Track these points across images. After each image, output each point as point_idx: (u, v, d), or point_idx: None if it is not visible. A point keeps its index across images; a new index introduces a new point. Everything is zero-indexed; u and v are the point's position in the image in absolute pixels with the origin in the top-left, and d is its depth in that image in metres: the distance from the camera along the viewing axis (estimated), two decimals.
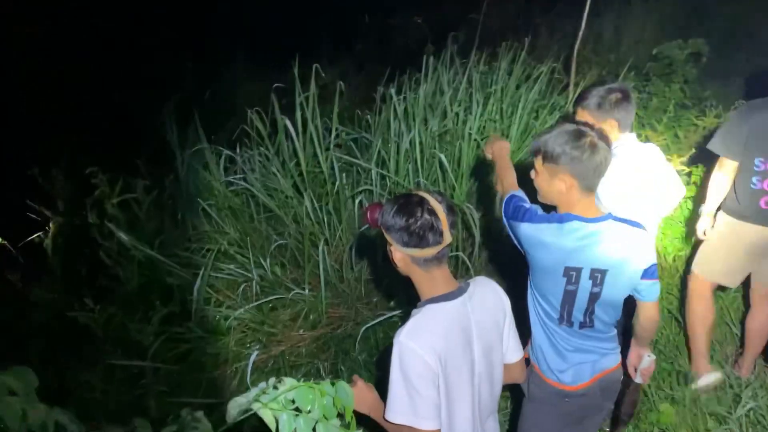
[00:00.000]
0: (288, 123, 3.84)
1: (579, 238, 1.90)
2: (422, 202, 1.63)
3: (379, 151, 3.98)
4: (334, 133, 3.94)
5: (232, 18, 8.07)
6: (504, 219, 2.08)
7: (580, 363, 2.08)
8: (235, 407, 0.96)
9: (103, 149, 4.77)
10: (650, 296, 2.06)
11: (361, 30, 7.65)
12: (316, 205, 3.74)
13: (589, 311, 2.01)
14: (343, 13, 7.95)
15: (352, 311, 3.76)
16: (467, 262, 3.67)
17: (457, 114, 4.19)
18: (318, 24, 7.69)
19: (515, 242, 2.06)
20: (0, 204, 4.23)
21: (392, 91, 4.11)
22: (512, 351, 1.90)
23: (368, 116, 4.47)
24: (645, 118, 4.95)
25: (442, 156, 3.69)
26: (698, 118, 4.73)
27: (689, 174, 4.25)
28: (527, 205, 2.01)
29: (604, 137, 1.90)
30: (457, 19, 6.30)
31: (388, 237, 1.69)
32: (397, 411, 1.61)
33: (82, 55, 6.70)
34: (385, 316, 3.56)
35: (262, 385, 0.97)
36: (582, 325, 2.04)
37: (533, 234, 1.94)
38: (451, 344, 1.66)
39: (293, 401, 0.92)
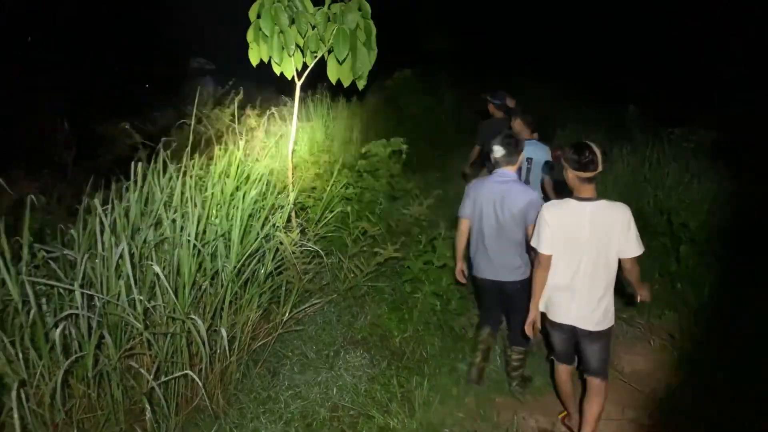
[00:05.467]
0: None
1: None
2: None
3: (85, 269, 3.54)
4: (26, 254, 3.39)
5: None
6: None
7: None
8: None
9: None
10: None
11: (64, 137, 7.03)
12: (6, 341, 3.14)
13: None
14: (41, 119, 7.25)
15: None
16: (197, 379, 3.37)
17: (174, 221, 3.96)
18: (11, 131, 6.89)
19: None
20: None
21: (96, 201, 3.73)
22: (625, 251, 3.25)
23: (72, 231, 3.98)
24: (360, 211, 5.26)
25: (157, 267, 3.40)
26: (405, 207, 5.17)
27: None
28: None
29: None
30: (170, 125, 6.14)
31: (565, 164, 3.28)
32: None
33: None
34: None
35: None
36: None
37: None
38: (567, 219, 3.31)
39: None
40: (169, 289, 3.45)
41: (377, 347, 4.50)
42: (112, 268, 3.48)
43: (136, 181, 4.12)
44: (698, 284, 5.00)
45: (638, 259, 3.26)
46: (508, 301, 4.09)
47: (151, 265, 3.44)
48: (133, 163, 4.22)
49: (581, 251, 3.27)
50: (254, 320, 4.18)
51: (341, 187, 5.52)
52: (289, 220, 4.78)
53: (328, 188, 5.45)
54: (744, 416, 3.70)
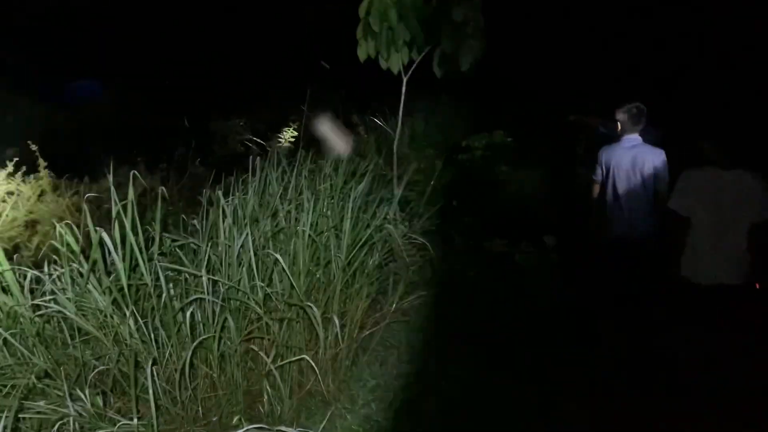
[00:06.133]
0: (104, 234, 3.48)
1: None
2: None
3: (209, 257, 3.75)
4: (158, 241, 3.64)
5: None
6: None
7: None
8: None
9: None
10: None
11: (181, 133, 7.45)
12: (140, 321, 3.38)
13: None
14: (161, 117, 7.71)
15: None
16: (312, 363, 3.50)
17: (288, 212, 4.12)
18: (135, 128, 7.37)
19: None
20: None
21: (220, 192, 3.95)
22: None
23: (194, 221, 4.24)
24: (464, 205, 5.26)
25: (278, 256, 3.56)
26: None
27: None
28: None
29: None
30: (279, 122, 6.37)
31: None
32: None
33: None
34: None
35: None
36: None
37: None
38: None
39: None
40: (289, 275, 3.60)
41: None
42: (234, 255, 3.67)
43: (253, 174, 4.34)
44: None
45: None
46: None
47: (271, 253, 3.60)
48: (250, 157, 4.45)
49: None
50: (363, 309, 4.28)
51: (444, 181, 5.55)
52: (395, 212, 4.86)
53: (432, 182, 5.49)
54: None
